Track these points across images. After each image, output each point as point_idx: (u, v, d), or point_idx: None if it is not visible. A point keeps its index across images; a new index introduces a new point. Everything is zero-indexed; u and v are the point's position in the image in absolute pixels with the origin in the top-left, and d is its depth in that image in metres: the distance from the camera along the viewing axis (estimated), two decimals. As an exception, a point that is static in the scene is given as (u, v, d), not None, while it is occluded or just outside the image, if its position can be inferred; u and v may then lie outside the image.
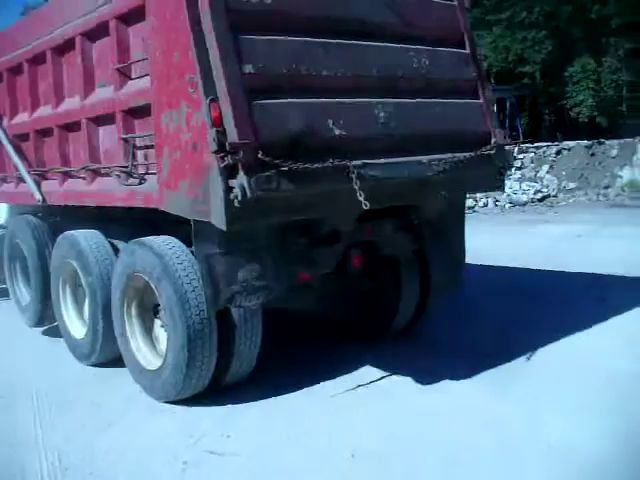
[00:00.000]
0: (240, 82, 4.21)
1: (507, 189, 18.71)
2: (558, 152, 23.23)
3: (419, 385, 5.25)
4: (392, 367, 5.57)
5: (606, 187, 20.19)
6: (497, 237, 12.65)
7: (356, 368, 5.63)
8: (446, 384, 5.22)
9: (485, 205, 17.89)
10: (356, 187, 4.36)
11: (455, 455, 4.13)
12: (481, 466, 3.98)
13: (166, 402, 5.16)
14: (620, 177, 20.39)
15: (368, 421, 4.71)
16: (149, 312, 5.53)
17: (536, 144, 24.72)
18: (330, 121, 4.52)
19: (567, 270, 8.93)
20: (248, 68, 4.28)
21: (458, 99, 5.38)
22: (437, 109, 5.18)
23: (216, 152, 4.09)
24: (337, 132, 4.53)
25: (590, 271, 8.73)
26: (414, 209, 5.45)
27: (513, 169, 22.86)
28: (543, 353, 5.77)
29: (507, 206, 17.89)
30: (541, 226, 13.78)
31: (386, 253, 5.71)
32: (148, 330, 5.56)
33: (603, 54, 28.88)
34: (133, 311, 5.55)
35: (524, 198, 18.42)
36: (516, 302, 7.59)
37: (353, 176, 4.38)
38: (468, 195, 17.90)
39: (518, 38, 29.98)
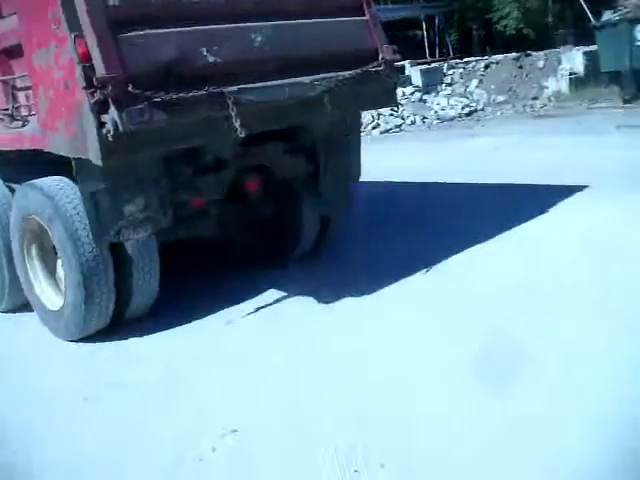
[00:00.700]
0: (104, 15, 4.15)
1: (435, 105, 18.86)
2: (487, 66, 23.35)
3: (320, 305, 5.35)
4: (294, 290, 5.67)
5: (534, 98, 20.33)
6: (420, 153, 12.81)
7: (259, 293, 5.71)
8: (346, 303, 5.33)
9: (413, 122, 17.96)
10: (232, 113, 4.40)
11: (354, 368, 4.26)
12: (378, 377, 4.11)
13: (71, 341, 5.21)
14: (547, 88, 20.53)
15: (268, 342, 4.81)
16: (50, 254, 5.53)
17: (465, 59, 24.79)
18: (204, 49, 4.49)
19: (481, 182, 9.08)
20: (112, 0, 4.23)
21: (341, 17, 5.35)
22: (319, 29, 5.16)
23: (85, 88, 4.06)
24: (212, 59, 4.51)
25: (502, 182, 8.89)
26: (304, 130, 5.47)
27: (443, 85, 23.03)
28: (444, 266, 5.91)
29: (435, 122, 17.97)
30: (467, 140, 13.89)
31: (280, 177, 5.76)
32: (52, 272, 5.57)
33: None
34: (34, 254, 5.55)
35: (452, 113, 18.52)
36: (427, 216, 7.75)
37: (229, 102, 4.40)
38: (395, 114, 18.13)
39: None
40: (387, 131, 17.11)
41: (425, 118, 18.14)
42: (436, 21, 32.30)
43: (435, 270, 5.84)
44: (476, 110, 19.20)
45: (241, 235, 6.43)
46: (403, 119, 17.97)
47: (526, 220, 6.92)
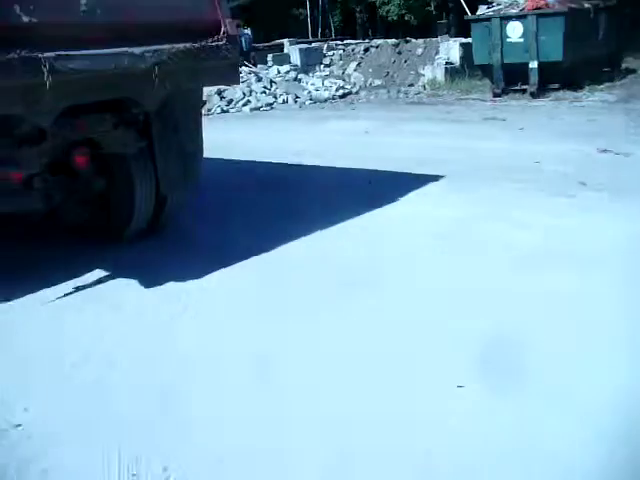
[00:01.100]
0: None
1: (309, 86, 18.69)
2: (366, 50, 23.43)
3: (141, 288, 5.06)
4: (121, 271, 5.34)
5: (410, 85, 20.48)
6: (289, 133, 12.64)
7: (85, 271, 5.35)
8: (170, 286, 5.05)
9: (285, 102, 17.71)
10: (48, 82, 4.05)
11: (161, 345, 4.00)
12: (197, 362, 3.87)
13: None
14: (423, 76, 20.71)
15: (82, 325, 4.48)
16: None
17: (346, 41, 24.82)
18: (17, 7, 4.10)
19: (341, 166, 8.96)
20: None
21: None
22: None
23: None
24: (26, 19, 4.11)
25: (361, 166, 8.80)
26: (134, 104, 5.13)
27: (322, 65, 22.96)
28: (283, 251, 5.73)
29: (307, 103, 17.74)
30: (334, 122, 13.75)
31: (110, 151, 5.40)
32: None
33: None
34: None
35: (326, 95, 18.35)
36: (276, 197, 7.60)
37: (45, 69, 4.04)
38: (268, 92, 17.88)
39: None
40: (258, 109, 16.79)
41: (298, 98, 17.91)
42: (320, 1, 32.19)
43: (273, 255, 5.64)
44: (350, 93, 19.15)
45: (72, 210, 6.00)
46: (275, 98, 17.70)
47: (376, 207, 6.80)
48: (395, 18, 28.70)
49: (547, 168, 8.27)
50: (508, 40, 16.33)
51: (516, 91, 16.57)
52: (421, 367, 3.71)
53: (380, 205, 6.86)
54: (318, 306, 4.59)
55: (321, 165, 9.15)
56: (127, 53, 4.50)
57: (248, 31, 27.18)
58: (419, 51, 22.22)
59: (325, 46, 24.19)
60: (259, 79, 18.47)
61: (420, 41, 22.69)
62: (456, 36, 23.62)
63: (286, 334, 4.19)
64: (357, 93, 19.25)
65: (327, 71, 22.99)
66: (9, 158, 4.83)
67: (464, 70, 19.48)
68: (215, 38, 5.04)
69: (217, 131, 13.48)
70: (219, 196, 7.51)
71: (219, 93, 17.19)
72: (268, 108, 16.90)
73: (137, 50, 4.55)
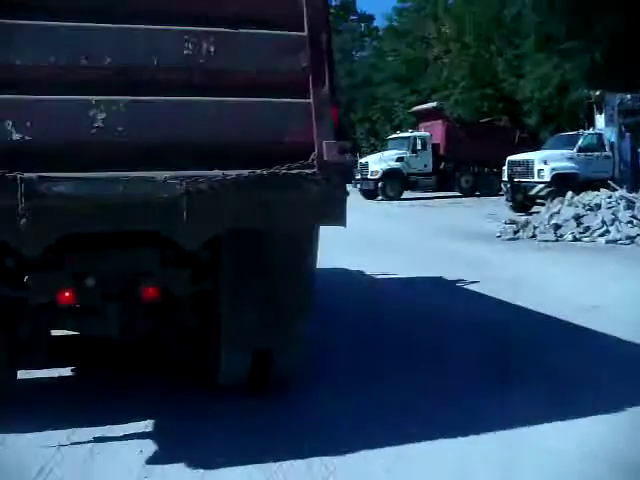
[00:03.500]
0: None
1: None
2: None
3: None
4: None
5: None
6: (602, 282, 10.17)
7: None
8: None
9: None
10: (21, 206, 3.49)
11: None
12: None
13: None
14: None
15: None
16: None
17: None
18: (9, 122, 3.62)
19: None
20: None
21: (261, 97, 4.08)
22: (213, 109, 4.02)
23: None
24: (17, 137, 3.65)
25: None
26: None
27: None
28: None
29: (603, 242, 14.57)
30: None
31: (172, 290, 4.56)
32: None
33: None
34: None
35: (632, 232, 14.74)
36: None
37: (18, 192, 3.48)
38: (636, 221, 14.94)
39: None
40: (615, 241, 14.31)
41: (607, 232, 14.84)
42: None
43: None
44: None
45: (173, 344, 5.45)
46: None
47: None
48: None
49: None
50: None
51: None
52: None
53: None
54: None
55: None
56: (142, 179, 3.71)
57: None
58: None
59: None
60: (629, 205, 15.94)
61: None
62: None
63: None
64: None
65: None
66: (17, 283, 4.29)
67: None
68: (297, 164, 3.99)
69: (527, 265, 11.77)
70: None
71: (576, 218, 15.38)
72: (627, 242, 14.27)
73: (160, 175, 3.74)
